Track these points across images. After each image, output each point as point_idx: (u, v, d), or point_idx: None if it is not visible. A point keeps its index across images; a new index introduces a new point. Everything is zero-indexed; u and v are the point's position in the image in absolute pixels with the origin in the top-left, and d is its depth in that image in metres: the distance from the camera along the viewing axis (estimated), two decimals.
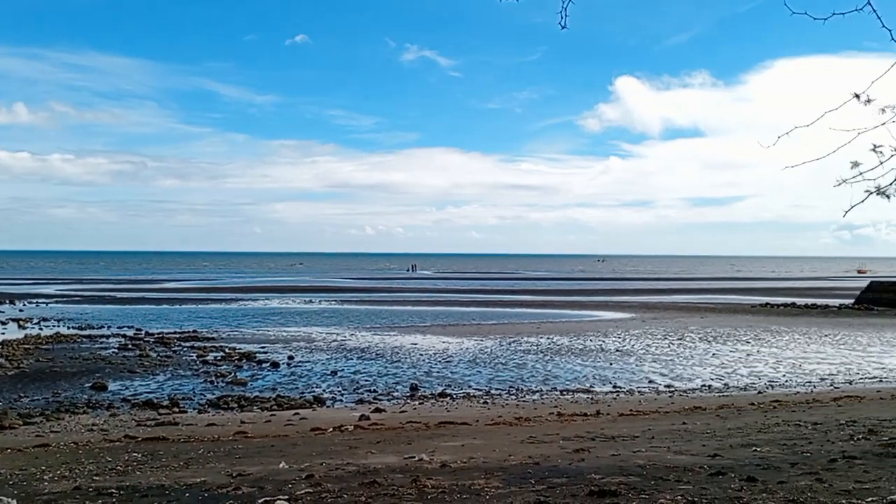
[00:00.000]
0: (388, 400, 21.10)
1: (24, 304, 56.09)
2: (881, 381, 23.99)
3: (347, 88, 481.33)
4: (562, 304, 61.75)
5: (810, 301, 62.28)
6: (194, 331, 38.19)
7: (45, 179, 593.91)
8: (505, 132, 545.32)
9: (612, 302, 63.75)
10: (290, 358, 28.63)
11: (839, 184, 6.33)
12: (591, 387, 23.35)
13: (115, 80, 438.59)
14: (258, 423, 16.65)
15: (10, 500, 7.46)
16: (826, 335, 37.16)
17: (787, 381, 24.29)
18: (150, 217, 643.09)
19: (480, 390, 22.68)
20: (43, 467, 10.04)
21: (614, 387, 23.35)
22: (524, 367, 26.77)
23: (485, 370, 26.23)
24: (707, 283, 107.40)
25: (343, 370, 26.05)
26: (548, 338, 35.58)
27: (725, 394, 21.73)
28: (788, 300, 63.28)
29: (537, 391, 22.60)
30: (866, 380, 24.25)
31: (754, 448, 9.60)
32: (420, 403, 20.43)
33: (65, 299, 62.75)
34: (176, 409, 19.38)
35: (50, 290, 77.09)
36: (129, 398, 20.95)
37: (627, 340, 34.82)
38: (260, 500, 7.35)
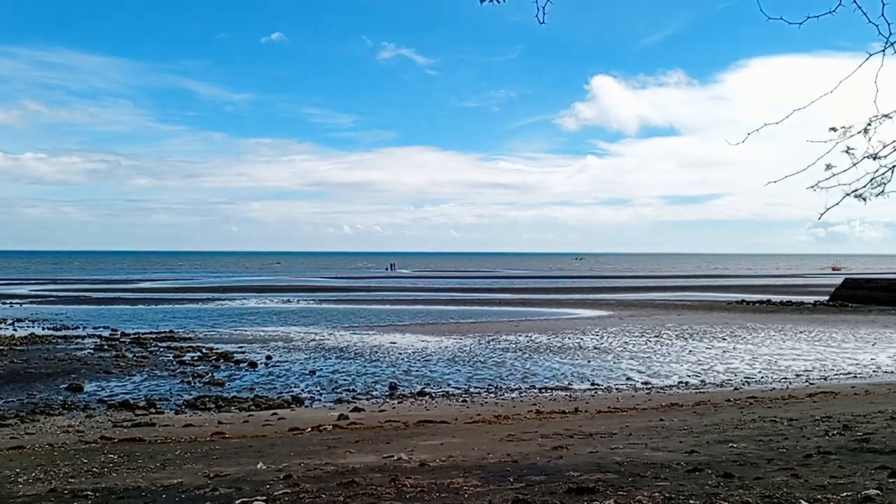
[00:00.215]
0: (367, 399, 21.06)
1: None
2: (855, 376, 24.25)
3: (324, 87, 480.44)
4: (540, 302, 61.92)
5: (786, 298, 62.84)
6: (171, 331, 37.90)
7: (17, 179, 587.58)
8: (482, 131, 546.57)
9: (590, 300, 64.02)
10: (268, 358, 28.49)
11: (814, 186, 6.41)
12: (569, 384, 23.43)
13: (90, 79, 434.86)
14: (236, 424, 16.55)
15: None
16: (801, 332, 37.52)
17: (762, 377, 24.49)
18: (125, 216, 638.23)
19: (459, 389, 22.69)
20: (17, 469, 9.93)
21: (592, 384, 23.45)
22: (503, 366, 26.82)
23: (464, 368, 26.25)
24: (683, 280, 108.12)
25: (321, 370, 25.97)
26: (526, 336, 35.67)
27: (702, 390, 21.88)
28: (764, 297, 63.81)
29: (516, 389, 22.65)
30: (841, 376, 24.51)
31: (731, 444, 9.68)
32: (399, 402, 20.41)
33: (39, 300, 62.06)
34: (152, 410, 19.23)
35: (24, 290, 76.23)
36: (105, 399, 20.76)
37: (605, 338, 34.98)
38: (237, 501, 7.31)
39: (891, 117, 6.14)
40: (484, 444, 10.91)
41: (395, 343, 33.12)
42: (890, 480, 6.95)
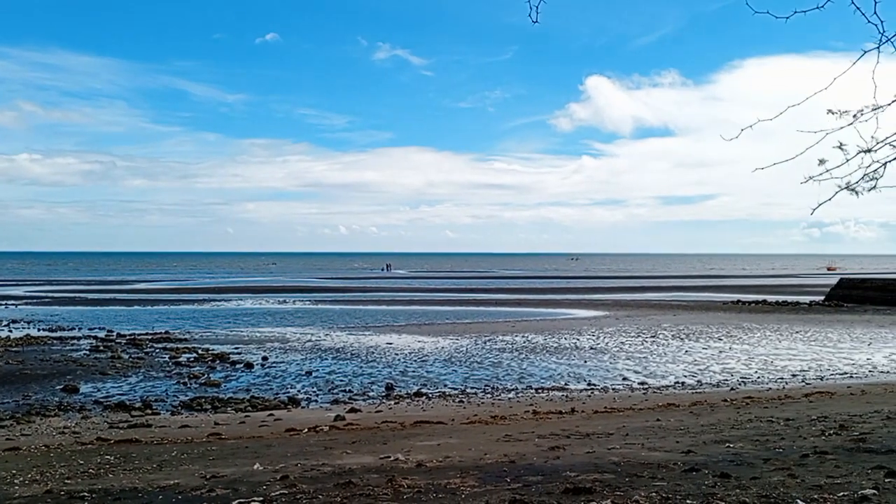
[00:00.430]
0: (364, 400, 21.04)
1: None
2: (851, 376, 24.29)
3: (319, 87, 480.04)
4: (536, 302, 61.95)
5: (781, 298, 62.94)
6: (166, 332, 37.85)
7: (12, 180, 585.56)
8: (477, 131, 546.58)
9: (586, 300, 64.07)
10: (265, 359, 28.46)
11: (806, 181, 6.41)
12: (566, 384, 23.44)
13: (84, 79, 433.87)
14: (232, 425, 16.53)
15: None
16: (797, 332, 37.58)
17: (759, 377, 24.53)
18: (119, 217, 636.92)
19: (456, 389, 22.69)
20: (14, 471, 9.90)
21: (589, 384, 23.46)
22: (499, 366, 26.82)
23: (460, 369, 26.25)
24: (679, 280, 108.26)
25: (318, 370, 25.95)
26: (523, 336, 35.68)
27: (698, 391, 21.90)
28: (760, 297, 63.91)
29: (513, 389, 22.65)
30: (837, 376, 24.55)
31: (727, 444, 9.69)
32: (395, 403, 20.40)
33: (34, 301, 61.92)
34: (149, 411, 19.20)
35: (19, 291, 76.07)
36: (101, 400, 20.72)
37: (601, 338, 35.00)
38: (234, 502, 7.30)
39: (883, 109, 6.15)
40: (481, 445, 10.91)
41: (391, 344, 33.11)
42: (886, 480, 6.96)
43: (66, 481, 9.02)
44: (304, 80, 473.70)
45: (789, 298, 62.66)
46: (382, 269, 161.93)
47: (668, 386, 23.11)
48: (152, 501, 7.60)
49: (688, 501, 6.47)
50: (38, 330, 39.02)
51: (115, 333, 37.22)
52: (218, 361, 27.83)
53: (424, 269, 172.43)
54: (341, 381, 24.06)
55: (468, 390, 22.51)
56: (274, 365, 27.16)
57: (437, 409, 18.81)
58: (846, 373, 25.13)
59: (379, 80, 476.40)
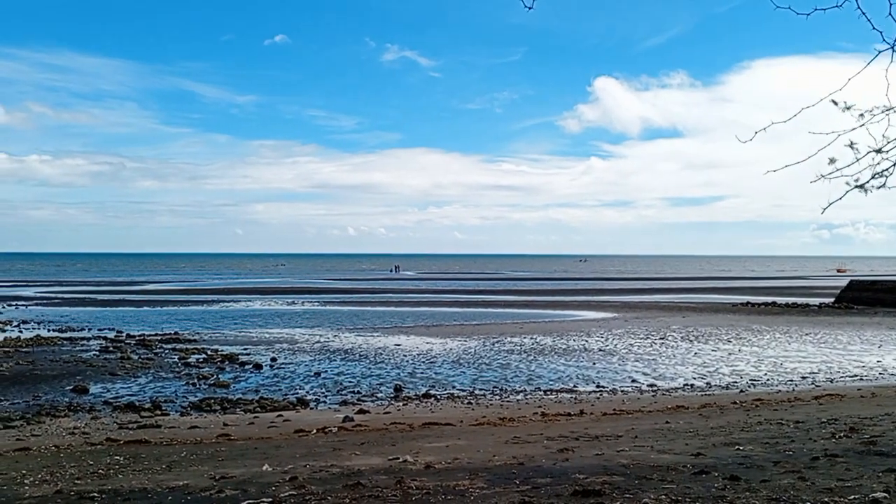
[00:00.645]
0: (372, 401, 21.06)
1: (3, 307, 55.51)
2: (862, 379, 24.19)
3: (328, 89, 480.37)
4: (544, 304, 61.90)
5: (791, 300, 62.74)
6: (176, 333, 37.96)
7: (22, 181, 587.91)
8: (486, 133, 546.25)
9: (595, 302, 63.97)
10: (273, 360, 28.51)
11: (817, 179, 6.40)
12: (574, 386, 23.41)
13: (94, 81, 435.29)
14: (241, 426, 16.56)
15: None
16: (807, 334, 37.45)
17: (768, 379, 24.45)
18: (129, 218, 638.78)
19: (464, 391, 22.69)
20: (24, 471, 9.94)
21: (598, 386, 23.42)
22: (508, 368, 26.80)
23: (469, 370, 26.24)
24: (688, 282, 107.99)
25: (326, 372, 25.98)
26: (531, 338, 35.65)
27: (708, 393, 21.84)
28: (769, 299, 63.68)
29: (521, 391, 22.64)
30: (847, 378, 24.45)
31: (737, 447, 9.65)
32: (404, 404, 20.41)
33: (44, 302, 62.19)
34: (158, 412, 19.25)
35: (29, 292, 76.40)
36: (111, 401, 20.79)
37: (610, 340, 34.94)
38: (243, 503, 7.31)
39: (895, 109, 6.13)
40: (489, 447, 10.90)
41: (399, 345, 33.13)
42: None
43: (75, 482, 9.05)
44: (312, 81, 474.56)
45: (799, 300, 62.47)
46: (391, 271, 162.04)
47: (678, 388, 23.05)
48: (162, 502, 7.62)
49: None
50: (48, 331, 39.17)
51: (124, 334, 37.34)
52: (227, 362, 27.89)
53: (432, 270, 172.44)
54: (350, 382, 24.09)
55: (476, 392, 22.50)
56: (283, 366, 27.21)
57: (446, 411, 18.80)
58: (856, 375, 25.02)
59: (387, 82, 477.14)
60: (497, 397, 21.59)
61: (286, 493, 7.58)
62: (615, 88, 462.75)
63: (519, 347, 32.17)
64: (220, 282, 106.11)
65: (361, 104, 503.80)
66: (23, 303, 60.27)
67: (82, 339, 35.48)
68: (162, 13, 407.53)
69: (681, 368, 26.78)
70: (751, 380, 24.37)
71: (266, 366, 27.17)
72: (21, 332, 38.46)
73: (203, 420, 18.03)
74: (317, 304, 61.79)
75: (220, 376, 24.90)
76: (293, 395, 21.91)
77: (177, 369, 26.36)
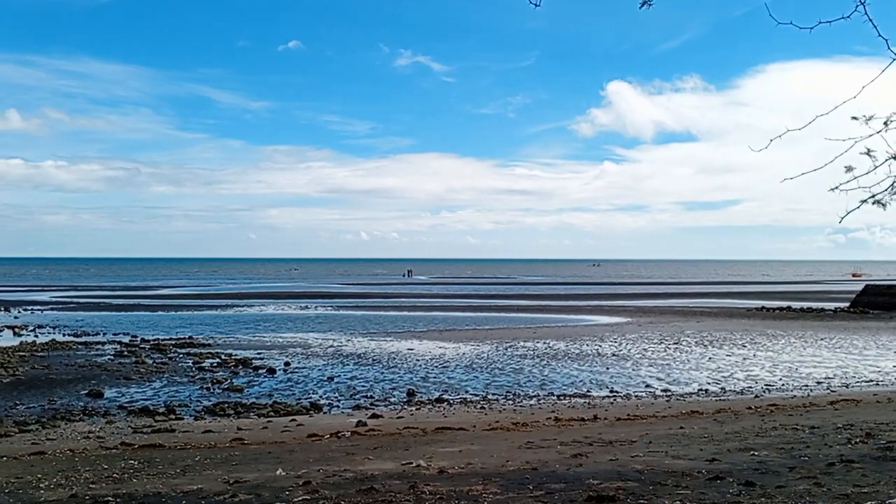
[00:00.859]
0: (385, 406, 21.06)
1: (20, 312, 55.92)
2: (877, 384, 24.01)
3: (342, 94, 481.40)
4: (558, 308, 61.77)
5: (806, 305, 62.37)
6: (190, 337, 38.11)
7: (38, 186, 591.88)
8: (499, 137, 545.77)
9: (608, 306, 63.79)
10: (287, 364, 28.57)
11: (834, 189, 6.36)
12: (588, 391, 23.34)
13: (110, 87, 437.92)
14: (255, 430, 16.60)
15: None
16: (822, 339, 37.21)
17: (783, 384, 24.30)
18: (144, 224, 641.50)
19: (477, 395, 22.65)
20: (39, 475, 9.99)
21: (611, 391, 23.34)
22: (521, 372, 26.75)
23: (482, 375, 26.20)
24: (702, 287, 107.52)
25: (339, 376, 26.01)
26: (544, 342, 35.57)
27: (722, 398, 21.73)
28: (784, 304, 63.36)
29: (534, 396, 22.58)
30: (863, 383, 24.27)
31: (752, 452, 9.60)
32: (417, 409, 20.40)
33: (60, 306, 62.58)
34: (172, 416, 19.31)
35: (45, 297, 76.89)
36: (126, 405, 20.88)
37: (624, 345, 34.83)
38: None
39: None
40: (503, 452, 10.88)
41: (412, 349, 33.12)
42: None
43: (90, 486, 9.10)
44: (326, 87, 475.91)
45: (814, 305, 62.09)
46: (403, 275, 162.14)
47: (692, 393, 22.94)
48: None
49: None
50: (64, 335, 39.41)
51: (139, 339, 37.52)
52: (241, 367, 27.97)
53: (445, 274, 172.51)
54: (363, 386, 24.10)
55: (490, 396, 22.46)
56: (296, 370, 27.26)
57: (459, 416, 18.78)
58: (872, 380, 24.84)
59: (401, 87, 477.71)
60: (510, 402, 21.55)
61: (299, 498, 7.60)
62: (628, 92, 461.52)
63: (532, 352, 32.11)
64: (234, 286, 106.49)
65: (375, 109, 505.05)
66: (38, 307, 60.66)
67: (97, 343, 35.67)
68: (177, 20, 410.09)
69: (695, 373, 26.65)
70: (766, 385, 24.22)
71: (279, 370, 27.22)
72: (37, 336, 38.72)
73: (217, 424, 18.07)
74: (330, 308, 61.89)
75: (233, 380, 24.97)
76: (306, 399, 21.94)
77: (191, 373, 26.46)
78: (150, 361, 29.15)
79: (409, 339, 37.34)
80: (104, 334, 39.85)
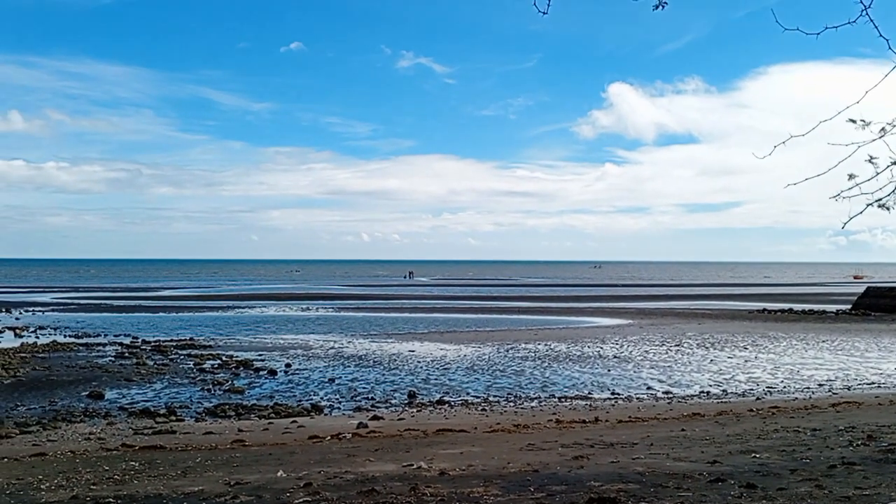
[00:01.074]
0: (386, 407, 21.05)
1: (21, 313, 55.95)
2: (879, 386, 23.99)
3: (343, 95, 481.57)
4: (559, 310, 61.75)
5: (807, 307, 62.34)
6: (191, 338, 38.12)
7: (39, 187, 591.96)
8: (500, 139, 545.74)
9: (609, 308, 63.77)
10: (288, 366, 28.57)
11: (836, 196, 6.36)
12: (589, 393, 23.33)
13: (112, 88, 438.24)
14: (256, 432, 16.60)
15: None
16: (824, 341, 37.18)
17: (785, 387, 24.28)
18: (145, 225, 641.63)
19: (478, 397, 22.65)
20: (40, 476, 10.00)
21: (612, 393, 23.33)
22: (522, 374, 26.74)
23: (483, 377, 26.19)
24: (704, 289, 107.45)
25: (341, 378, 26.01)
26: (545, 344, 35.56)
27: (724, 400, 21.71)
28: (785, 306, 63.33)
29: (535, 398, 22.57)
30: (864, 385, 24.25)
31: (753, 454, 9.59)
32: (418, 411, 20.39)
33: (61, 307, 62.61)
34: (173, 418, 19.31)
35: (46, 298, 76.92)
36: (126, 406, 20.88)
37: (625, 347, 34.81)
38: None
39: None
40: (504, 454, 10.87)
41: (413, 351, 33.12)
42: None
43: (91, 487, 9.10)
44: (328, 88, 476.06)
45: (815, 307, 62.06)
46: (405, 277, 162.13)
47: (693, 395, 22.93)
48: None
49: None
50: (65, 336, 39.43)
51: (139, 340, 37.54)
52: (242, 368, 27.98)
53: (447, 276, 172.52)
54: (364, 388, 24.10)
55: (491, 398, 22.46)
56: (297, 372, 27.26)
57: (460, 418, 18.77)
58: (874, 383, 24.81)
59: (402, 89, 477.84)
60: (511, 404, 21.54)
61: (301, 500, 7.59)
62: (630, 94, 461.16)
63: (533, 354, 32.10)
64: (235, 288, 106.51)
65: (376, 111, 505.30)
66: (39, 308, 60.70)
67: (98, 344, 35.69)
68: (179, 21, 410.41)
69: (696, 376, 26.64)
70: (767, 387, 24.20)
71: (280, 372, 27.23)
72: (38, 337, 38.74)
73: (218, 426, 18.08)
74: (331, 310, 61.89)
75: (234, 382, 24.97)
76: (307, 401, 21.94)
77: (192, 375, 26.46)
78: (151, 363, 29.15)
79: (411, 341, 37.33)
80: (105, 336, 39.87)
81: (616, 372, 27.35)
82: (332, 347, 34.71)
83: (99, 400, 21.90)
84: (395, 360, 30.15)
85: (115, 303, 69.63)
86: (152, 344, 35.69)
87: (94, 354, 31.85)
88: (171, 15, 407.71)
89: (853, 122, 6.14)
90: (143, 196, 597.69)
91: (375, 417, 18.86)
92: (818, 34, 6.15)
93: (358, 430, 16.00)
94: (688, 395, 22.85)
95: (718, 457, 9.45)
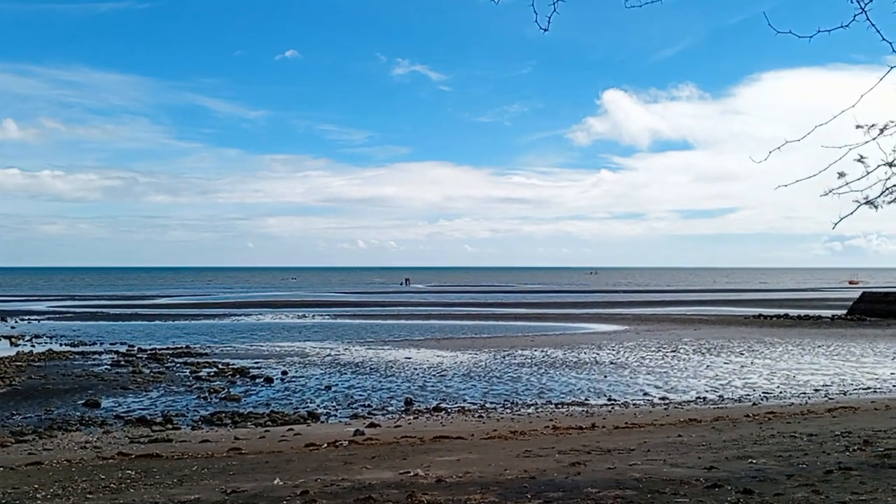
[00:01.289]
0: (383, 415, 21.03)
1: (16, 321, 55.81)
2: (875, 391, 24.03)
3: (339, 103, 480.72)
4: (555, 316, 61.76)
5: (803, 312, 62.45)
6: (187, 346, 38.05)
7: (35, 196, 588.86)
8: (496, 146, 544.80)
9: (606, 314, 63.79)
10: (284, 373, 28.53)
11: (826, 194, 6.39)
12: (586, 400, 23.33)
13: (108, 96, 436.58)
14: (252, 440, 16.56)
15: None
16: (819, 346, 37.23)
17: (781, 392, 24.30)
18: (141, 233, 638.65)
19: (475, 404, 22.63)
20: (36, 485, 9.97)
21: (609, 399, 23.33)
22: (519, 381, 26.73)
23: (479, 384, 26.18)
24: (700, 294, 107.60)
25: (337, 385, 25.97)
26: (542, 351, 35.55)
27: (720, 406, 21.72)
28: (781, 311, 63.40)
29: (532, 404, 22.56)
30: (860, 390, 24.29)
31: (750, 460, 9.59)
32: (415, 418, 20.37)
33: (56, 316, 62.47)
34: (169, 426, 19.28)
35: (41, 306, 76.75)
36: (123, 415, 20.84)
37: (621, 353, 34.82)
38: None
39: None
40: (501, 460, 10.86)
41: (410, 358, 33.09)
42: None
43: (87, 496, 9.07)
44: (323, 96, 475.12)
45: (811, 312, 62.16)
46: (401, 284, 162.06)
47: (690, 401, 22.94)
48: None
49: None
50: (60, 345, 39.34)
51: (135, 348, 37.47)
52: (238, 376, 27.93)
53: (443, 283, 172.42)
54: (360, 395, 24.07)
55: (487, 405, 22.44)
56: (293, 379, 27.22)
57: (457, 424, 18.75)
58: (870, 388, 24.85)
59: (398, 96, 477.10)
60: (508, 411, 21.52)
61: None
62: (624, 101, 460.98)
63: (530, 360, 32.09)
64: (231, 295, 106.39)
65: (372, 118, 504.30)
66: (35, 317, 60.55)
67: (94, 353, 35.61)
68: (174, 30, 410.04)
69: (693, 381, 26.66)
70: (763, 392, 24.23)
71: (277, 379, 27.19)
72: (33, 346, 38.65)
73: (214, 434, 18.04)
74: (327, 317, 61.83)
75: (231, 390, 24.93)
76: (304, 408, 21.91)
77: (188, 383, 26.41)
78: (147, 371, 29.10)
79: (407, 348, 37.31)
80: (101, 344, 39.78)
81: (612, 378, 27.35)
82: (329, 355, 34.68)
83: (95, 408, 21.86)
84: (392, 368, 30.12)
85: (111, 311, 69.49)
86: (148, 352, 35.62)
87: (89, 363, 31.78)
88: (167, 23, 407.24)
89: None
90: (139, 204, 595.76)
91: (372, 425, 18.84)
92: (811, 37, 6.20)
93: (354, 438, 15.98)
94: (684, 401, 22.86)
95: (715, 462, 9.46)
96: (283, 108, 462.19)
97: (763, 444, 11.51)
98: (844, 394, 23.58)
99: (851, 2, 5.87)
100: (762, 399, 22.95)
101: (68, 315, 63.69)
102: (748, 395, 23.88)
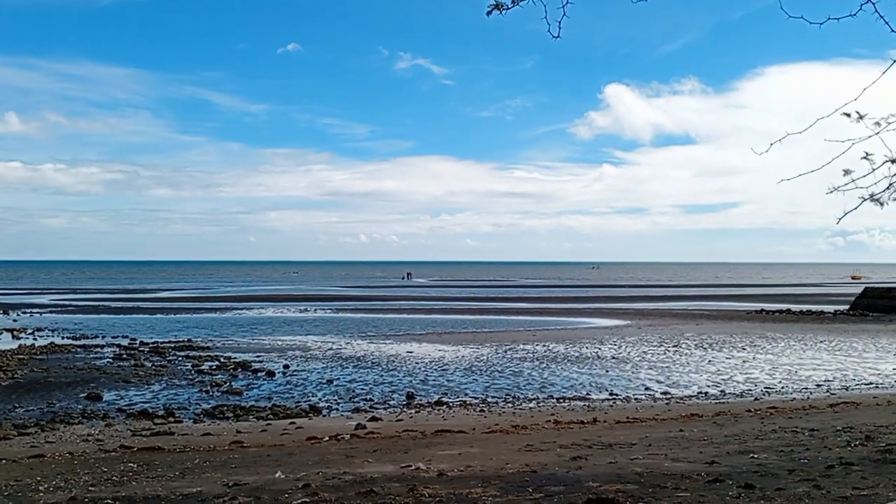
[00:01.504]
0: (385, 408, 21.05)
1: (18, 315, 55.92)
2: (877, 387, 24.01)
3: (341, 97, 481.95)
4: (557, 311, 61.76)
5: (805, 307, 62.41)
6: (189, 340, 38.09)
7: (37, 189, 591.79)
8: (498, 140, 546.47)
9: (608, 309, 63.78)
10: (286, 367, 28.56)
11: (831, 191, 6.36)
12: (587, 394, 23.34)
13: (110, 90, 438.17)
14: (254, 433, 16.58)
15: None
16: (821, 341, 37.22)
17: (783, 387, 24.30)
18: (143, 226, 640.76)
19: (477, 398, 22.65)
20: (38, 478, 9.98)
21: (611, 394, 23.34)
22: (520, 375, 26.74)
23: (481, 378, 26.20)
24: (701, 289, 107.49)
25: (339, 379, 26.00)
26: (544, 345, 35.56)
27: (722, 401, 21.72)
28: (783, 306, 63.38)
29: (534, 399, 22.57)
30: (862, 386, 24.28)
31: (751, 455, 9.59)
32: (416, 412, 20.39)
33: (59, 309, 62.55)
34: (171, 419, 19.30)
35: (44, 300, 76.86)
36: (125, 408, 20.87)
37: (623, 347, 34.82)
38: None
39: None
40: (502, 454, 10.87)
41: (411, 352, 33.11)
42: None
43: (89, 488, 9.08)
44: (325, 90, 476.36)
45: (813, 308, 62.12)
46: (403, 278, 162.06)
47: (692, 396, 22.94)
48: None
49: None
50: (63, 338, 39.40)
51: (137, 342, 37.51)
52: (240, 369, 27.96)
53: (445, 277, 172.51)
54: (362, 389, 24.09)
55: (489, 399, 22.46)
56: (295, 373, 27.25)
57: (458, 418, 18.76)
58: (872, 383, 24.84)
59: (400, 90, 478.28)
60: (510, 405, 21.54)
61: (299, 501, 7.59)
62: (626, 95, 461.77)
63: (531, 355, 32.10)
64: (233, 289, 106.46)
65: (375, 112, 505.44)
66: (37, 310, 60.64)
67: (96, 346, 35.66)
68: (176, 23, 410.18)
69: (695, 376, 26.66)
70: (765, 388, 24.22)
71: (279, 373, 27.22)
72: (35, 339, 38.71)
73: (216, 427, 18.07)
74: (329, 311, 61.86)
75: (232, 383, 24.96)
76: (306, 402, 21.94)
77: (190, 376, 26.45)
78: (149, 364, 29.13)
79: (409, 342, 37.33)
80: (103, 337, 39.84)
81: (614, 373, 27.36)
82: (331, 349, 34.71)
83: (97, 401, 21.90)
84: (394, 362, 30.15)
85: (113, 304, 69.56)
86: (150, 345, 35.67)
87: (91, 356, 31.83)
88: (169, 17, 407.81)
89: (847, 115, 6.16)
90: (141, 197, 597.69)
91: (374, 418, 18.86)
92: (821, 24, 6.18)
93: (356, 431, 16.00)
94: (686, 396, 22.86)
95: (716, 457, 9.45)
96: (285, 102, 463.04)
97: (764, 438, 11.50)
98: (846, 389, 23.58)
99: None
100: (764, 394, 22.95)
101: (70, 308, 63.77)
102: (750, 390, 23.88)
